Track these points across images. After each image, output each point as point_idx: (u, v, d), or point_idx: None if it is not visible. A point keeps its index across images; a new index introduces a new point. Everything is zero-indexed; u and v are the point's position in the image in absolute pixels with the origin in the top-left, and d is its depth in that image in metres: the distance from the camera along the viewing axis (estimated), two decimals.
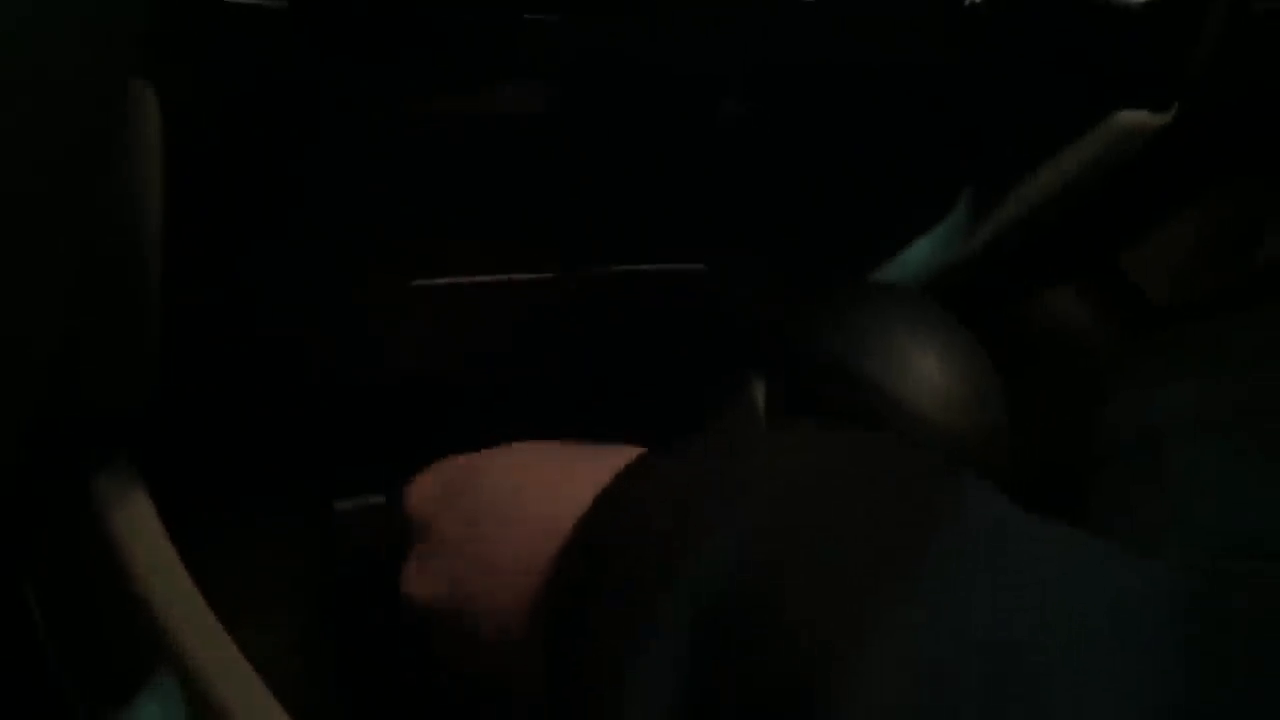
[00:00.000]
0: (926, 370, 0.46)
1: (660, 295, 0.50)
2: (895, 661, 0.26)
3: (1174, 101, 0.47)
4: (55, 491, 0.45)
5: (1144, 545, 0.46)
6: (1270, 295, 0.58)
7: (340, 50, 0.32)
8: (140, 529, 0.43)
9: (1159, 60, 0.45)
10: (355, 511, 0.52)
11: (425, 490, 0.42)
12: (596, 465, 0.37)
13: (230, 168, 0.36)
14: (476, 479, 0.41)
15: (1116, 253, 0.69)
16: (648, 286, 0.49)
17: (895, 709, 0.26)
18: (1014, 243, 0.54)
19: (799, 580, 0.29)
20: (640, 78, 0.38)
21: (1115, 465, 0.49)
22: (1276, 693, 0.25)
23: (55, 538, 0.47)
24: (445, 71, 0.34)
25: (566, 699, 0.33)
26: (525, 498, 0.39)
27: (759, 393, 0.49)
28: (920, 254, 0.54)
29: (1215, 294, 0.67)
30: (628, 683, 0.29)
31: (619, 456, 0.37)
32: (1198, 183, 0.65)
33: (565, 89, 0.38)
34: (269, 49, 0.31)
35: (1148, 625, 0.26)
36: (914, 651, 0.26)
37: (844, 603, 0.27)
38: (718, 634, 0.29)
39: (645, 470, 0.36)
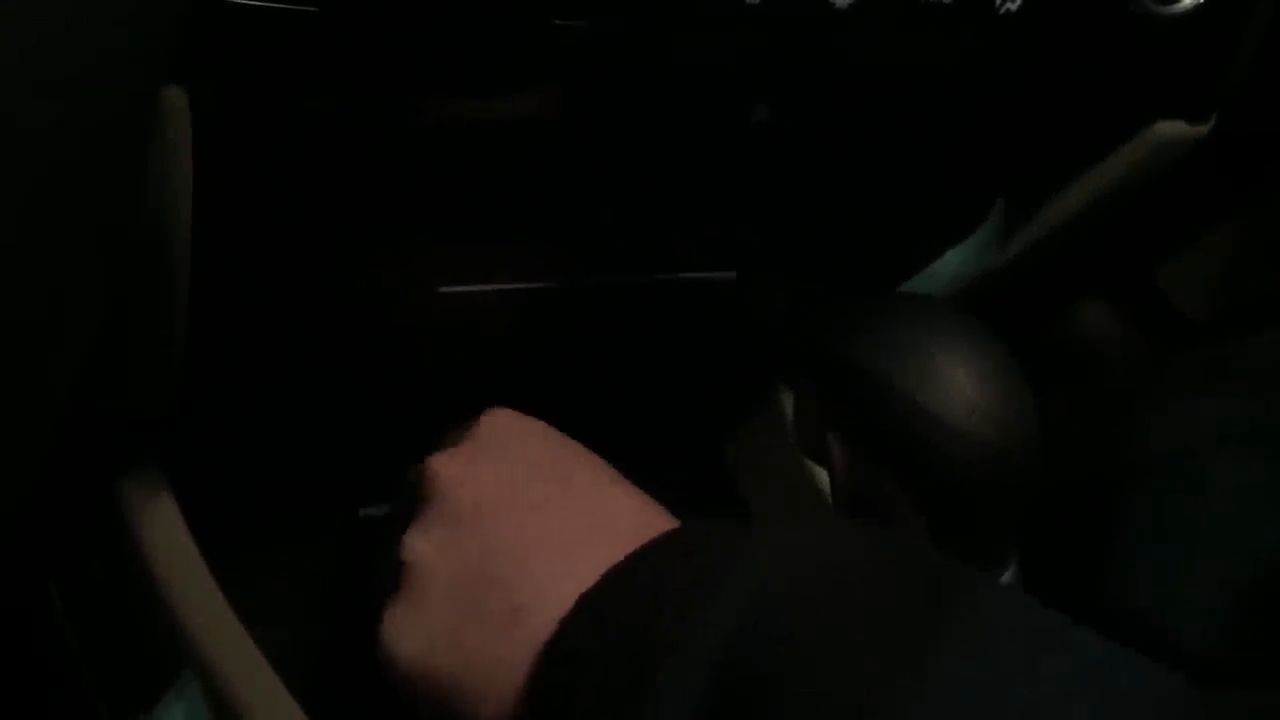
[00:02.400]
0: (958, 382, 0.45)
1: (691, 304, 0.50)
2: None
3: (1212, 113, 0.47)
4: (82, 493, 0.45)
5: (1179, 562, 0.46)
6: None
7: (369, 54, 0.32)
8: (165, 531, 0.43)
9: (1197, 70, 0.45)
10: (381, 518, 0.52)
11: (422, 529, 0.37)
12: (603, 540, 0.33)
13: (260, 171, 0.36)
14: (476, 530, 0.36)
15: (1151, 266, 0.69)
16: (678, 295, 0.49)
17: None
18: (1047, 255, 0.53)
19: (805, 664, 0.28)
20: (670, 86, 0.38)
21: (1151, 479, 0.48)
22: None
23: (81, 539, 0.47)
24: (475, 77, 0.34)
25: None
26: (523, 571, 0.34)
27: (787, 403, 0.49)
28: (952, 265, 0.54)
29: (1252, 308, 0.66)
30: None
31: (625, 527, 0.34)
32: (1235, 196, 0.65)
33: (595, 96, 0.38)
34: (299, 53, 0.31)
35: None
36: None
37: (852, 695, 0.27)
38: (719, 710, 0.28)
39: (639, 568, 0.33)
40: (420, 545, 0.36)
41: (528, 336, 0.49)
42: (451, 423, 0.45)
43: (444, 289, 0.43)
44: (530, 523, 0.35)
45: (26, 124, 0.25)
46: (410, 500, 0.38)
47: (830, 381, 0.47)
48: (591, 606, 0.32)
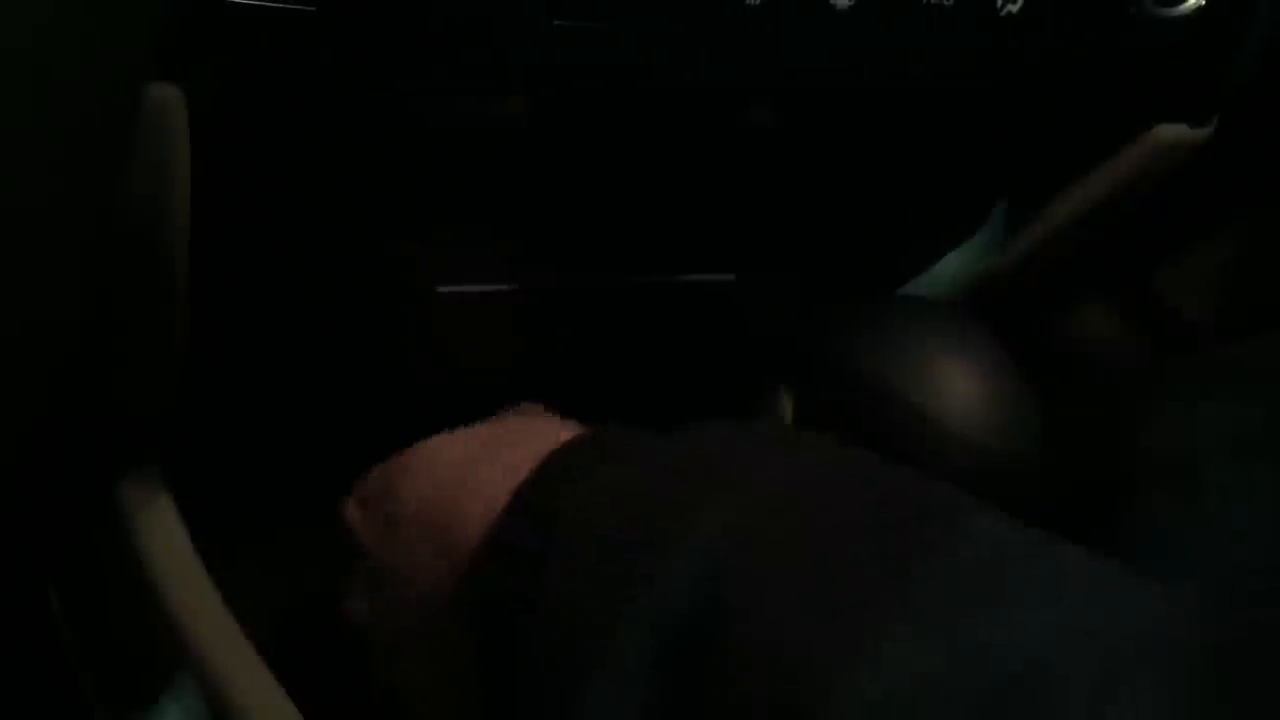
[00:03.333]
0: (957, 385, 0.45)
1: (690, 305, 0.49)
2: (885, 681, 0.25)
3: (1213, 115, 0.47)
4: (80, 494, 0.45)
5: (1178, 564, 0.46)
6: None
7: (368, 54, 0.32)
8: (162, 533, 0.43)
9: (1198, 73, 0.44)
10: None
11: (355, 496, 0.39)
12: (516, 454, 0.33)
13: (256, 172, 0.36)
14: (396, 479, 0.37)
15: (1152, 270, 0.69)
16: (678, 296, 0.49)
17: None
18: (1048, 257, 0.53)
19: (779, 595, 0.26)
20: (670, 87, 0.38)
21: (1150, 484, 0.48)
22: None
23: (79, 540, 0.47)
24: (474, 77, 0.34)
25: None
26: (442, 497, 0.35)
27: (786, 405, 0.49)
28: (952, 268, 0.54)
29: (1251, 311, 0.66)
30: (587, 707, 0.27)
31: (543, 441, 0.33)
32: (1236, 199, 0.64)
33: (594, 97, 0.37)
34: (296, 53, 0.31)
35: (1178, 655, 0.25)
36: (905, 669, 0.25)
37: (829, 621, 0.26)
38: (685, 652, 0.27)
39: (586, 466, 0.32)
40: (355, 605, 0.38)
41: (526, 337, 0.48)
42: (444, 424, 0.44)
43: (443, 289, 0.43)
44: (432, 497, 0.36)
45: (15, 122, 0.25)
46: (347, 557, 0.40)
47: (829, 384, 0.47)
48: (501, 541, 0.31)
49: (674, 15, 0.35)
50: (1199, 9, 0.40)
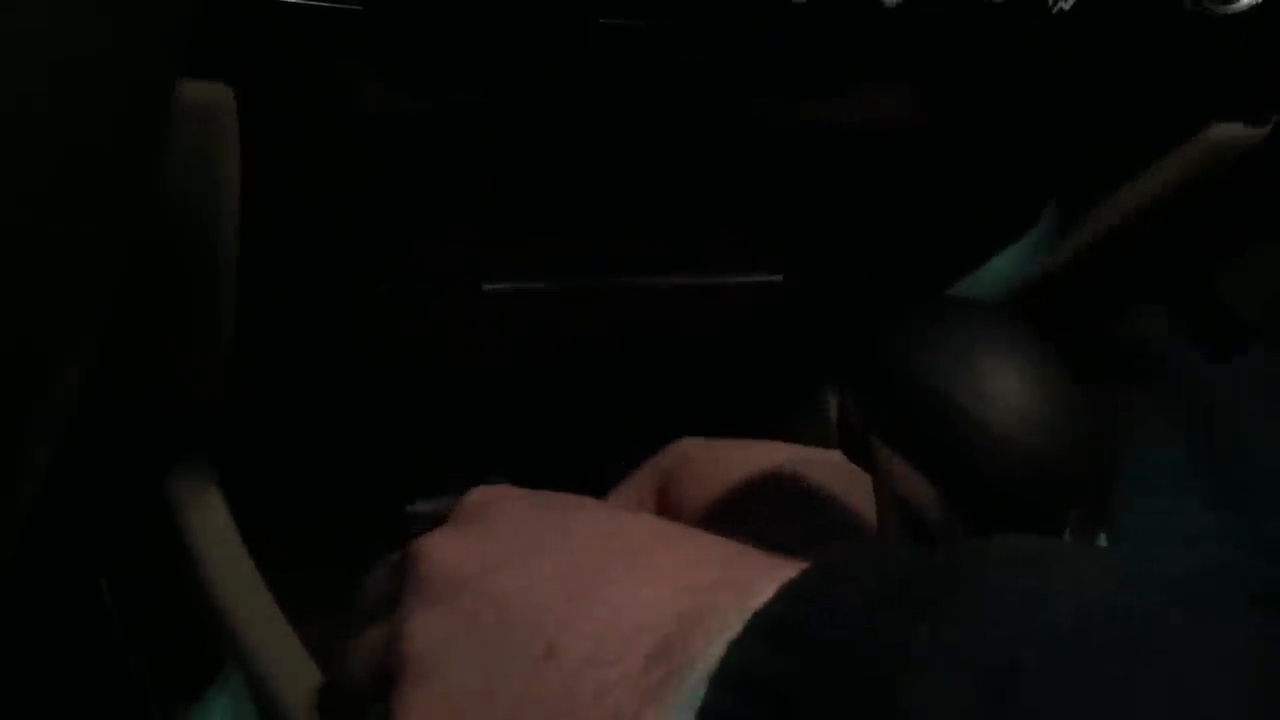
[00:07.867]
0: (1006, 388, 0.45)
1: (737, 306, 0.49)
2: None
3: (1271, 114, 0.46)
4: (131, 487, 0.45)
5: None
6: None
7: (416, 52, 0.32)
8: (213, 527, 0.44)
9: (1255, 71, 0.44)
10: (426, 514, 0.52)
11: (419, 612, 0.33)
12: (638, 565, 0.30)
13: (304, 168, 0.36)
14: (481, 589, 0.32)
15: (1207, 272, 0.68)
16: (725, 297, 0.49)
17: None
18: (1101, 258, 0.52)
19: None
20: (718, 87, 0.38)
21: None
22: None
23: (130, 532, 0.47)
24: (520, 76, 0.34)
25: None
26: (544, 610, 0.30)
27: (831, 406, 0.49)
28: (1001, 268, 0.53)
29: None
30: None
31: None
32: None
33: (640, 97, 0.37)
34: (345, 51, 0.31)
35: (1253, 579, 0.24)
36: None
37: None
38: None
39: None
40: (422, 629, 0.33)
41: (573, 336, 0.48)
42: (493, 419, 0.45)
43: (488, 287, 0.43)
44: (539, 564, 0.32)
45: (41, 118, 0.25)
46: (395, 589, 0.35)
47: (875, 385, 0.47)
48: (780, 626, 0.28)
49: (721, 14, 0.35)
50: (1255, 6, 0.40)
